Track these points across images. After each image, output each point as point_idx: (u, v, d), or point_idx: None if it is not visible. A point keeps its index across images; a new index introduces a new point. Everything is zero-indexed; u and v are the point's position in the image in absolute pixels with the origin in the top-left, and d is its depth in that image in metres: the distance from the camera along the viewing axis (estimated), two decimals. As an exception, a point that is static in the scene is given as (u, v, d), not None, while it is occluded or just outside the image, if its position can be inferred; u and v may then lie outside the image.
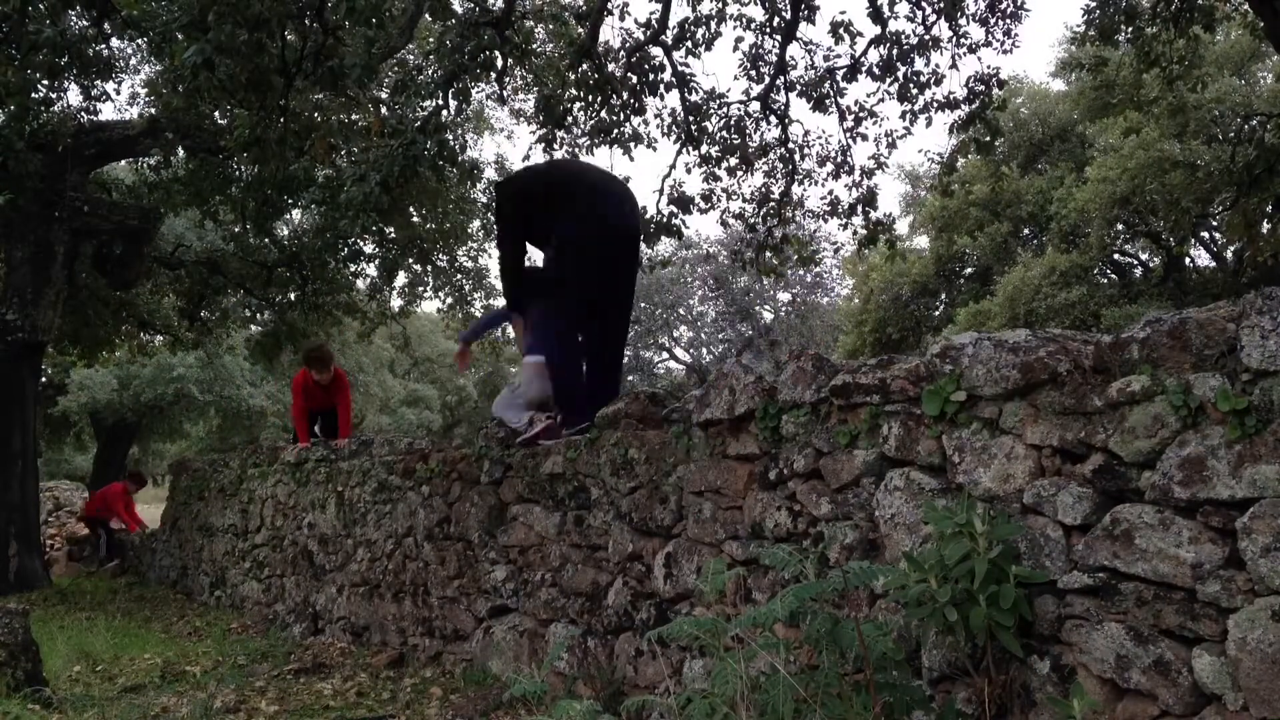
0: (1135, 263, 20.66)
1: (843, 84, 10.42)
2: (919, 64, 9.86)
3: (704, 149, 10.92)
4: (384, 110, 10.70)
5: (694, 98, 10.39)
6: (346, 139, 10.38)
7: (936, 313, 21.72)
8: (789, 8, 9.85)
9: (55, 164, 10.27)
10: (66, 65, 8.44)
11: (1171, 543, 2.38)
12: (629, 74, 9.99)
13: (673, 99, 11.65)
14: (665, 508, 4.09)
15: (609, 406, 4.59)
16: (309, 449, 7.40)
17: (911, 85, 9.91)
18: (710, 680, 2.66)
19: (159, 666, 5.76)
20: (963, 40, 9.68)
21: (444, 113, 8.22)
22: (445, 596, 5.52)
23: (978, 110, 9.71)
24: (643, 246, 9.78)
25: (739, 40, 10.77)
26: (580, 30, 9.94)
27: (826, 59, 10.41)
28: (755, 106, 10.75)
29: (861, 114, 10.58)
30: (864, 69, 10.13)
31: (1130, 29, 9.62)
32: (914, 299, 21.43)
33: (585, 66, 9.64)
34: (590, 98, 10.01)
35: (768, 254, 11.50)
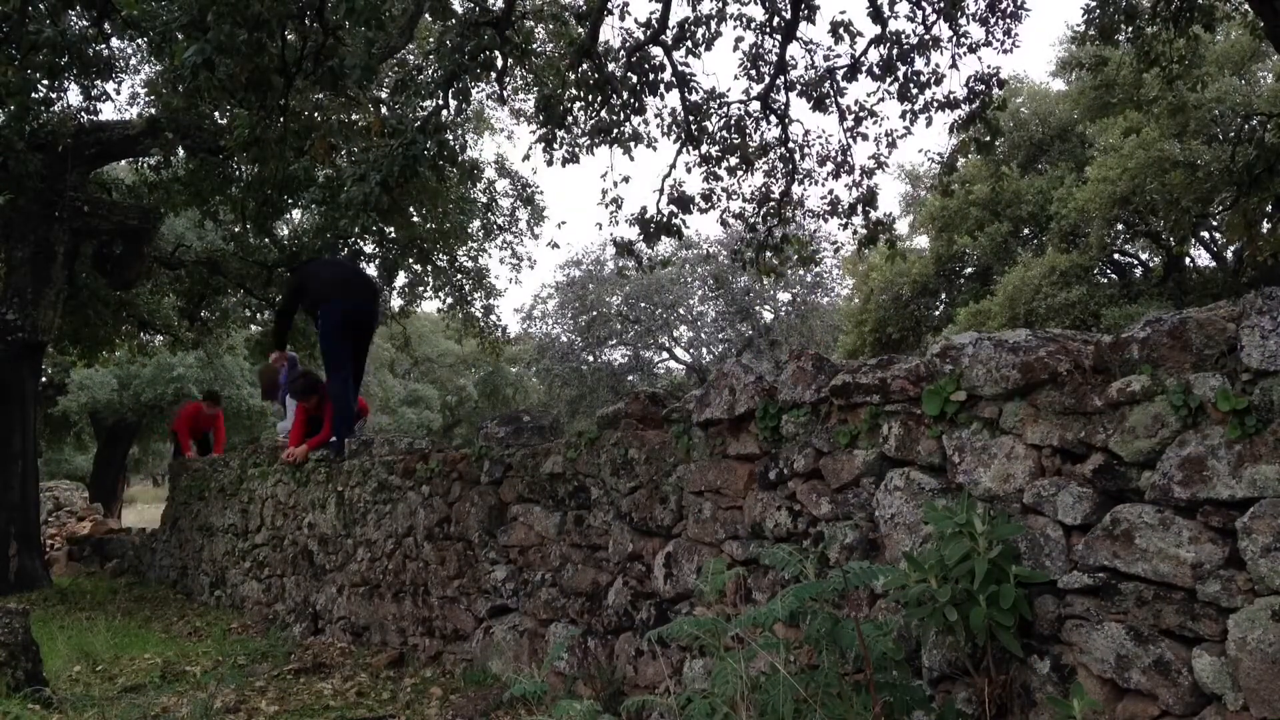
0: (1135, 263, 20.65)
1: (843, 84, 10.41)
2: (919, 64, 9.85)
3: (704, 149, 10.91)
4: (384, 110, 10.70)
5: (694, 97, 10.39)
6: (346, 139, 10.37)
7: (936, 313, 21.70)
8: (789, 8, 9.85)
9: (55, 164, 10.26)
10: (66, 65, 8.43)
11: (1171, 543, 2.38)
12: (629, 74, 9.98)
13: (673, 99, 11.67)
14: (665, 508, 4.09)
15: (608, 407, 4.63)
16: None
17: (911, 85, 9.90)
18: (710, 680, 2.66)
19: (159, 666, 5.76)
20: (963, 40, 9.67)
21: (444, 113, 8.21)
22: (445, 596, 5.53)
23: (978, 110, 9.70)
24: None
25: (739, 40, 10.76)
26: (580, 30, 9.93)
27: (826, 59, 10.41)
28: (755, 106, 10.75)
29: (861, 114, 10.56)
30: (864, 69, 10.11)
31: (1130, 28, 9.60)
32: (914, 299, 21.39)
33: (585, 66, 9.64)
34: (590, 98, 10.01)
35: (768, 254, 11.48)
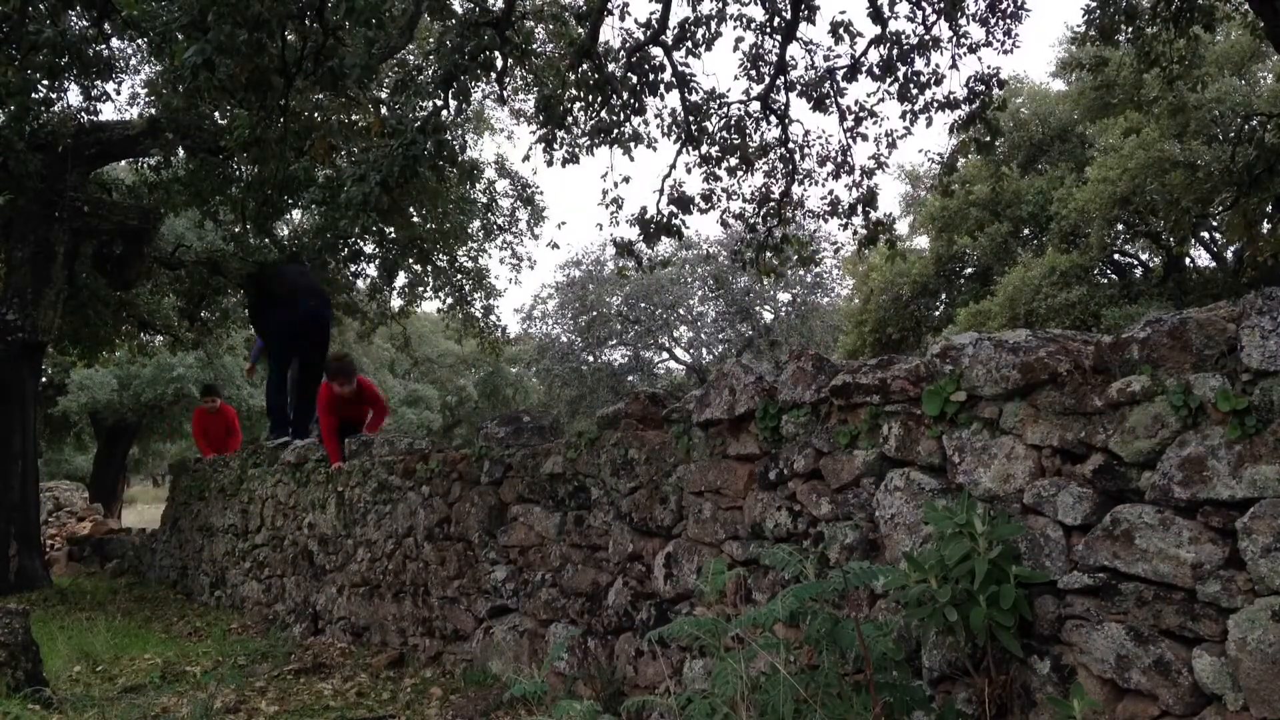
0: (1135, 263, 20.64)
1: (843, 84, 10.40)
2: (919, 64, 9.84)
3: (704, 149, 10.90)
4: (384, 110, 10.69)
5: (694, 98, 10.38)
6: (346, 139, 10.36)
7: (936, 313, 21.68)
8: (789, 8, 9.85)
9: (55, 164, 10.26)
10: (66, 65, 8.43)
11: (1171, 543, 2.38)
12: (629, 74, 9.97)
13: (673, 99, 11.65)
14: (665, 508, 4.09)
15: (608, 407, 4.64)
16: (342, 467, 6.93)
17: (911, 85, 9.89)
18: (710, 680, 2.66)
19: (159, 666, 5.76)
20: (963, 40, 9.67)
21: (444, 113, 8.20)
22: (445, 596, 5.52)
23: (978, 110, 9.70)
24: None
25: (739, 40, 10.75)
26: (580, 30, 9.93)
27: (826, 59, 10.40)
28: (755, 106, 10.74)
29: (861, 114, 10.56)
30: (864, 69, 10.10)
31: (1130, 29, 9.60)
32: (914, 299, 21.36)
33: (585, 66, 9.63)
34: (590, 98, 10.00)
35: (768, 254, 11.47)
